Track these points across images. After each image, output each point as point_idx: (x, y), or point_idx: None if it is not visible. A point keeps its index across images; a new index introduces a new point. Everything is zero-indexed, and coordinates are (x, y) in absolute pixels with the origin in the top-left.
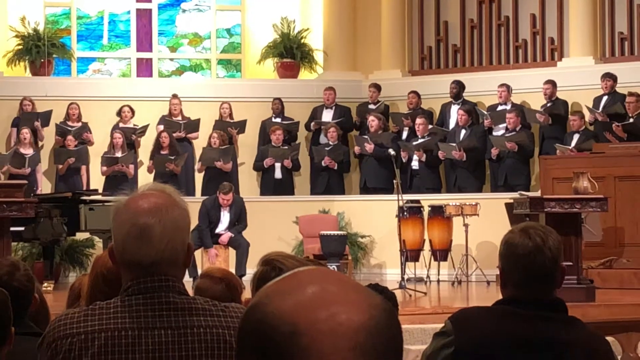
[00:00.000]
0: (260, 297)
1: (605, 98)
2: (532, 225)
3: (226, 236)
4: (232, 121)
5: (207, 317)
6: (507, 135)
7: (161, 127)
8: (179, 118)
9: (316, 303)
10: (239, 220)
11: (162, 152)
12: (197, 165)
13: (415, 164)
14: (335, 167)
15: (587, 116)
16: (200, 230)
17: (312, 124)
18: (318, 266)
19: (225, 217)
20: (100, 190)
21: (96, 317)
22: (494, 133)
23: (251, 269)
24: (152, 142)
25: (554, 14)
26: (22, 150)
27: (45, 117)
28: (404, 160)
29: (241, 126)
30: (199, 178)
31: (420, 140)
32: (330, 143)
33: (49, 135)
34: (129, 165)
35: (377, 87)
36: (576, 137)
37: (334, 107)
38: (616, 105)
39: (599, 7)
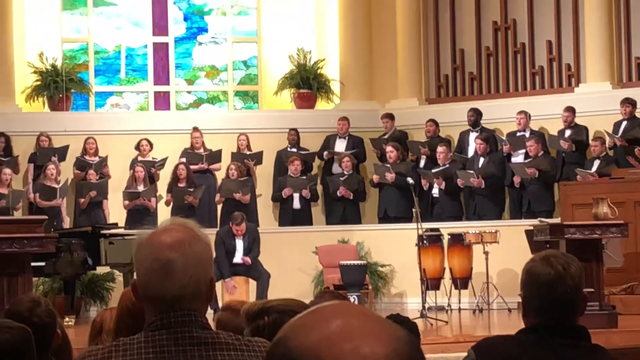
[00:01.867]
0: (284, 331)
1: (624, 123)
2: (553, 253)
3: (246, 259)
4: (249, 153)
5: (231, 351)
6: (526, 161)
7: (183, 160)
8: (201, 151)
9: (340, 337)
10: (252, 247)
11: (180, 185)
12: (216, 197)
13: (435, 192)
14: (351, 197)
15: (607, 141)
16: (217, 261)
17: (325, 153)
18: (340, 300)
19: (240, 246)
20: (123, 224)
21: (120, 354)
22: (513, 159)
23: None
24: (170, 175)
25: (570, 40)
26: (49, 185)
27: (62, 152)
28: (424, 188)
29: (258, 157)
30: (219, 210)
31: (439, 168)
32: (345, 172)
33: (65, 170)
34: (150, 199)
35: (390, 117)
36: (597, 162)
37: (347, 137)
38: (635, 130)
39: (614, 32)
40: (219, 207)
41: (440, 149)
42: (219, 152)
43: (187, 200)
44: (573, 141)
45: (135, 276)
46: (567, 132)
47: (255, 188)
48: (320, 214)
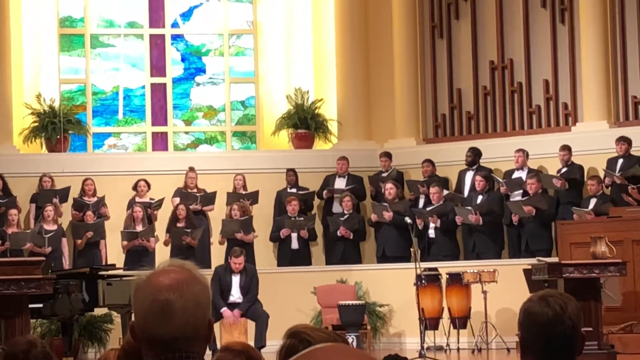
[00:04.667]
0: None
1: (620, 161)
2: (551, 293)
3: (237, 312)
4: (244, 192)
5: None
6: (523, 199)
7: (177, 200)
8: (195, 191)
9: None
10: (249, 288)
11: (179, 225)
12: (218, 238)
13: (431, 232)
14: (351, 237)
15: (604, 178)
16: (213, 299)
17: (325, 192)
18: (338, 343)
19: (236, 283)
20: (121, 265)
21: None
22: (511, 199)
23: (270, 341)
24: (167, 215)
25: (567, 79)
26: (46, 227)
27: (64, 193)
28: (419, 228)
29: (253, 197)
30: (214, 251)
31: (434, 206)
32: (346, 212)
33: (65, 211)
34: (149, 239)
35: (388, 155)
36: (593, 201)
37: (346, 176)
38: (633, 168)
39: (611, 71)
40: (219, 247)
41: (432, 189)
42: (214, 194)
43: (185, 240)
44: (566, 179)
45: (133, 317)
46: (563, 171)
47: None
48: (321, 254)
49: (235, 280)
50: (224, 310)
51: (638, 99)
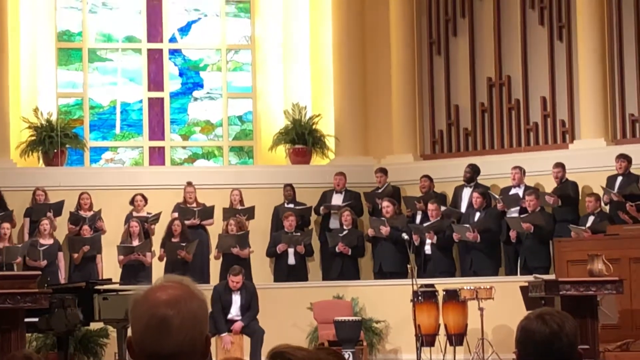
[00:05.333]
0: None
1: (619, 179)
2: (548, 311)
3: (238, 325)
4: (240, 208)
5: None
6: (522, 216)
7: (175, 215)
8: (194, 205)
9: None
10: (250, 306)
11: (174, 240)
12: (213, 253)
13: (428, 248)
14: (349, 253)
15: (602, 196)
16: (213, 317)
17: (322, 208)
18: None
19: (236, 301)
20: (118, 279)
21: None
22: (508, 215)
23: (265, 358)
24: (164, 230)
25: (564, 96)
26: (42, 241)
27: (58, 207)
28: (415, 244)
29: (250, 213)
30: (213, 265)
31: (430, 222)
32: (345, 228)
33: (60, 224)
34: (145, 254)
35: (384, 171)
36: (591, 218)
37: (344, 192)
38: (632, 186)
39: (609, 89)
40: (218, 262)
41: (431, 206)
42: (212, 208)
43: (180, 255)
44: (559, 196)
45: (130, 333)
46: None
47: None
48: (317, 269)
49: (236, 298)
50: (225, 335)
51: (635, 116)
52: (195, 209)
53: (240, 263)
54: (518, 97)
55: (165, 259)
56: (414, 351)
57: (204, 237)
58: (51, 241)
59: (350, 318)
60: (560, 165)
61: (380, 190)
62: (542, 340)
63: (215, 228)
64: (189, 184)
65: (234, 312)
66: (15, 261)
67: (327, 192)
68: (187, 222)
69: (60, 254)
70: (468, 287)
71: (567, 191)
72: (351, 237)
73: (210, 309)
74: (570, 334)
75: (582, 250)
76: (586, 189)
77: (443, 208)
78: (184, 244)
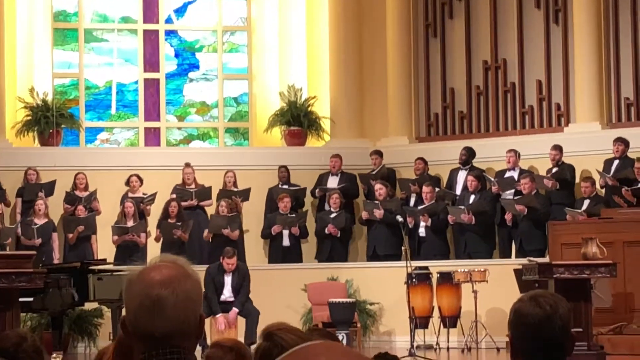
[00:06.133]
0: None
1: (616, 162)
2: (541, 293)
3: (233, 314)
4: (236, 190)
5: None
6: (516, 198)
7: (173, 196)
8: (192, 186)
9: None
10: (241, 287)
11: (170, 221)
12: (204, 233)
13: (422, 231)
14: (338, 235)
15: (598, 180)
16: (207, 298)
17: (317, 190)
18: (321, 341)
19: (228, 283)
20: (112, 260)
21: None
22: (503, 197)
23: (258, 340)
24: (160, 211)
25: (560, 80)
26: (36, 221)
27: (49, 187)
28: (410, 226)
29: (245, 195)
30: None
31: (425, 205)
32: (333, 210)
33: (55, 204)
34: (140, 235)
35: (379, 153)
36: (587, 202)
37: (339, 174)
38: (627, 171)
39: (604, 72)
40: (208, 243)
41: (426, 188)
42: (209, 188)
43: (176, 235)
44: (556, 179)
45: (124, 312)
46: (554, 170)
47: (242, 225)
48: (312, 251)
49: (228, 280)
50: (219, 316)
51: (631, 100)
52: (192, 190)
53: (231, 244)
54: (513, 80)
55: (161, 239)
56: (407, 333)
57: (201, 217)
58: (46, 220)
59: (345, 300)
60: (557, 148)
61: (375, 172)
62: (534, 322)
63: (210, 209)
64: (187, 165)
65: (227, 293)
66: (6, 242)
67: (323, 175)
68: (184, 204)
69: (55, 234)
70: (462, 270)
71: (565, 174)
72: (340, 219)
73: (204, 290)
74: (563, 316)
75: (576, 233)
76: (581, 173)
77: (437, 189)
78: (179, 224)
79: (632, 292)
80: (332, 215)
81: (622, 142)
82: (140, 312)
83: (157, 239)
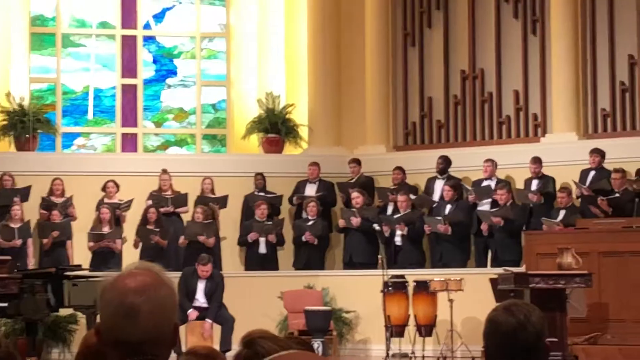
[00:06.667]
0: None
1: (592, 173)
2: (515, 302)
3: (207, 325)
4: (213, 196)
5: None
6: (493, 210)
7: (150, 202)
8: (169, 193)
9: None
10: (214, 294)
11: (148, 227)
12: (180, 240)
13: (398, 240)
14: (315, 242)
15: (574, 190)
16: (179, 303)
17: (295, 198)
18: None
19: (201, 289)
20: (87, 266)
21: None
22: (479, 208)
23: (236, 345)
24: (137, 217)
25: (537, 90)
26: (12, 225)
27: (25, 193)
28: (386, 235)
29: (222, 201)
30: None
31: (401, 214)
32: (310, 218)
33: (32, 209)
34: (115, 241)
35: (358, 162)
36: (562, 212)
37: (317, 182)
38: (602, 182)
39: (581, 83)
40: (184, 249)
41: (401, 197)
42: (185, 195)
43: (153, 240)
44: (541, 193)
45: (99, 319)
46: (535, 183)
47: (219, 231)
48: (289, 259)
49: (201, 286)
50: (191, 311)
51: (607, 111)
52: (168, 197)
53: (207, 251)
54: (491, 90)
55: (140, 245)
56: (383, 341)
57: (177, 224)
58: (15, 226)
59: (321, 308)
60: (537, 161)
61: (353, 181)
62: (508, 330)
63: (187, 216)
64: (164, 171)
65: (201, 299)
66: None
67: (301, 182)
68: (161, 210)
69: (29, 240)
70: (438, 279)
71: (548, 187)
72: (317, 226)
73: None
74: (536, 325)
75: (551, 243)
76: (558, 183)
77: (414, 197)
78: (157, 229)
79: (607, 303)
80: (310, 223)
81: (598, 153)
82: (115, 319)
83: (135, 245)
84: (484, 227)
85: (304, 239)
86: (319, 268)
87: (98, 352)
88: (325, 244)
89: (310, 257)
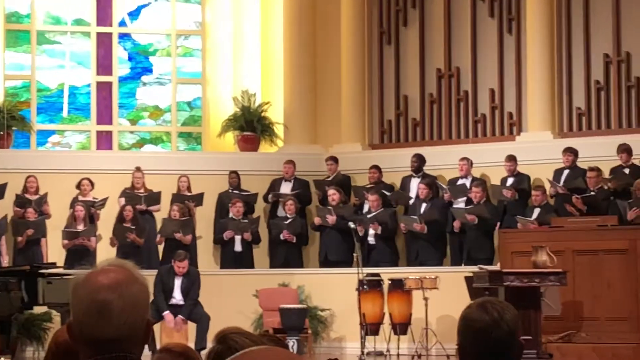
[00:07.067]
0: None
1: (566, 172)
2: (489, 300)
3: (179, 319)
4: (189, 194)
5: None
6: (467, 207)
7: (122, 200)
8: (142, 191)
9: None
10: (190, 291)
11: (125, 225)
12: (157, 238)
13: (371, 239)
14: (294, 241)
15: (548, 189)
16: (155, 300)
17: (270, 196)
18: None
19: (177, 286)
20: (62, 264)
21: None
22: (454, 206)
23: (211, 343)
24: (111, 215)
25: (513, 89)
26: None
27: (0, 190)
28: (360, 234)
29: (198, 199)
30: (161, 251)
31: (374, 213)
32: (288, 216)
33: (6, 207)
34: (90, 239)
35: (335, 160)
36: (537, 211)
37: (293, 180)
38: (577, 180)
39: (556, 82)
40: (160, 247)
41: (371, 197)
42: (158, 193)
43: (129, 238)
44: (516, 190)
45: (71, 316)
46: (510, 181)
47: (195, 229)
48: (265, 257)
49: (177, 282)
50: (166, 314)
51: (582, 110)
52: (141, 195)
53: (183, 249)
54: (467, 89)
55: (116, 244)
56: (358, 340)
57: (150, 222)
58: None
59: (296, 306)
60: (512, 159)
61: (330, 179)
62: (481, 328)
63: (162, 214)
64: (138, 169)
65: (177, 296)
66: None
67: (276, 180)
68: (136, 207)
69: (3, 238)
70: (413, 277)
71: (523, 184)
72: (295, 225)
73: (153, 291)
74: (510, 322)
75: (526, 241)
76: (533, 181)
77: (390, 193)
78: (134, 228)
79: (581, 301)
80: (288, 221)
81: (572, 152)
82: (86, 316)
83: (112, 244)
84: (456, 224)
85: (282, 237)
86: (298, 266)
87: (68, 349)
88: (304, 241)
89: (289, 256)
